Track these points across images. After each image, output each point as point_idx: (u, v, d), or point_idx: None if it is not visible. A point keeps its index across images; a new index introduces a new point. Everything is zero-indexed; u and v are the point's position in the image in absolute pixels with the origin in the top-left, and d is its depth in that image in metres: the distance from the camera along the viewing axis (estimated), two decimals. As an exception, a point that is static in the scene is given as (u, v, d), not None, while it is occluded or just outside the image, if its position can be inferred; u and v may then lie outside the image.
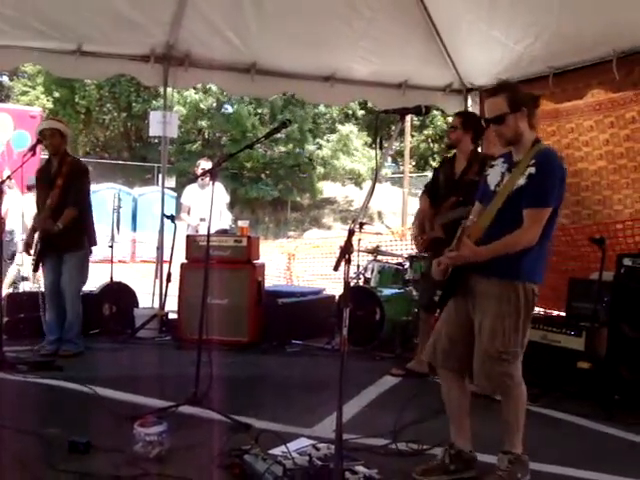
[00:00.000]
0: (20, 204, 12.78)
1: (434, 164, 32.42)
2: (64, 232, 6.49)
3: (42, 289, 7.26)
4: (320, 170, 31.96)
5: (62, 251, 6.61)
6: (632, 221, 6.80)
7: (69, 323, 6.66)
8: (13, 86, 32.22)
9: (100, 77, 10.44)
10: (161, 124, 8.60)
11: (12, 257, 12.74)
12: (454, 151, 6.28)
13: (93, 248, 6.90)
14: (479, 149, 6.34)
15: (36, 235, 6.68)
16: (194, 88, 27.20)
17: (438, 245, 6.15)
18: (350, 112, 32.56)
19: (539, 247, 3.62)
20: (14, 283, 12.27)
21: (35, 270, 6.79)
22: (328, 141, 32.11)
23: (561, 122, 7.36)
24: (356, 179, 32.50)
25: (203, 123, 30.09)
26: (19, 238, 12.74)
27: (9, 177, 7.21)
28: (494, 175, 3.83)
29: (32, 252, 6.68)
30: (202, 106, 29.75)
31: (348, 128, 31.85)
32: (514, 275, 3.62)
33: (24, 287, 11.69)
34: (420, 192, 6.75)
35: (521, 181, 3.61)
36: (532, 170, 3.59)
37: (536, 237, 3.55)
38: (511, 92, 3.70)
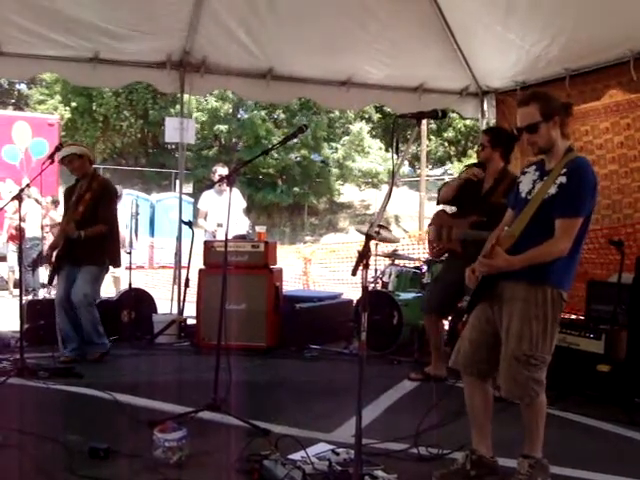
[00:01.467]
0: (39, 212, 12.90)
1: (450, 167, 32.38)
2: (86, 246, 6.56)
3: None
4: (336, 172, 31.97)
5: (80, 263, 6.64)
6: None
7: (86, 332, 6.69)
8: (31, 94, 32.49)
9: (117, 85, 10.53)
10: (177, 130, 8.63)
11: (33, 265, 12.86)
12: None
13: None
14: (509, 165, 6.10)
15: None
16: (211, 94, 27.35)
17: (454, 255, 6.13)
18: (366, 116, 32.59)
19: (570, 254, 3.60)
20: (33, 290, 12.38)
21: (50, 282, 6.82)
22: (343, 144, 32.15)
23: (576, 124, 7.32)
24: (372, 180, 32.51)
25: (221, 127, 30.17)
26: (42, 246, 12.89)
27: (28, 185, 7.28)
28: (526, 183, 3.81)
29: (50, 264, 6.76)
30: (220, 113, 29.88)
31: (359, 126, 31.87)
32: (542, 279, 3.60)
33: (44, 294, 11.76)
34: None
35: (552, 190, 3.59)
36: (563, 179, 3.57)
37: (567, 247, 3.53)
38: (543, 101, 3.69)
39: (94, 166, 7.07)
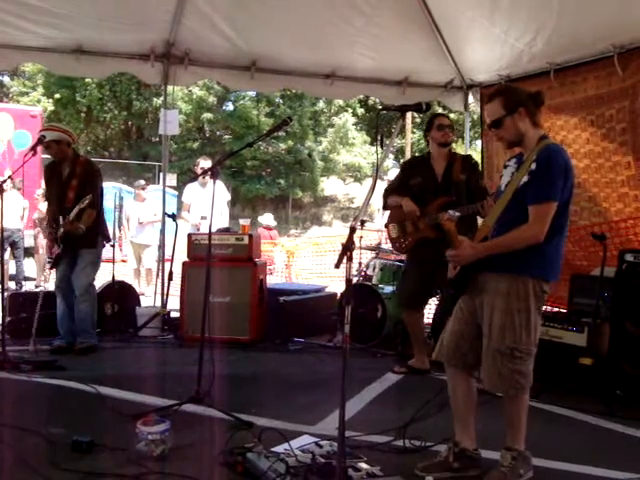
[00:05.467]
0: (20, 204, 12.85)
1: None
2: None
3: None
4: (320, 165, 31.92)
5: (78, 249, 6.75)
6: (624, 221, 6.81)
7: (82, 314, 6.78)
8: (13, 86, 32.21)
9: (101, 75, 10.46)
10: (169, 123, 8.57)
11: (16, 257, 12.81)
12: (427, 151, 6.43)
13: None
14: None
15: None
16: (197, 85, 27.28)
17: (422, 246, 6.15)
18: (350, 110, 32.55)
19: (551, 244, 3.60)
20: (18, 283, 12.33)
21: (53, 267, 6.87)
22: (327, 137, 32.12)
23: (553, 118, 7.37)
24: (357, 174, 32.49)
25: (208, 116, 30.03)
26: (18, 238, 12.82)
27: (10, 177, 7.23)
28: (506, 175, 3.84)
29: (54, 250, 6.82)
30: (207, 101, 29.80)
31: (344, 118, 31.83)
32: (523, 270, 3.60)
33: (26, 287, 11.74)
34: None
35: (525, 178, 3.62)
36: (534, 166, 3.59)
37: (541, 233, 3.53)
38: (506, 94, 3.73)
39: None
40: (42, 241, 13.37)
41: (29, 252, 14.62)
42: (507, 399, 3.69)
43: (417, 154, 33.00)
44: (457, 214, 3.76)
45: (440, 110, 29.55)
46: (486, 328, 3.67)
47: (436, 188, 6.11)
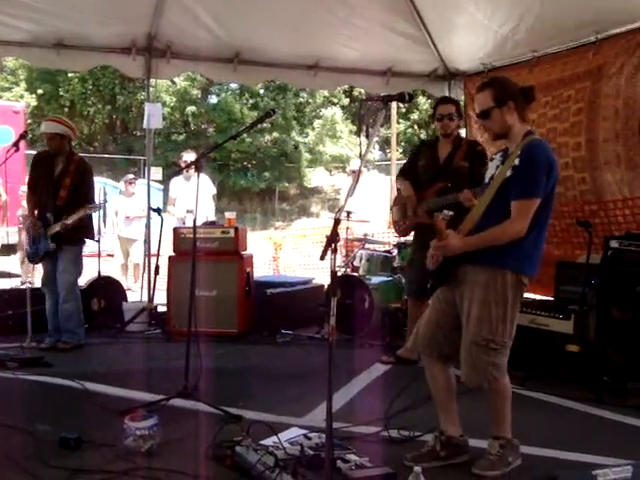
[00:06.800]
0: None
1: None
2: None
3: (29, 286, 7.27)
4: (307, 156, 31.85)
5: (60, 244, 6.67)
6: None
7: (67, 313, 6.72)
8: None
9: (82, 68, 10.39)
10: (152, 116, 8.51)
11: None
12: (436, 136, 6.36)
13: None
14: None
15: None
16: (179, 77, 27.14)
17: (422, 230, 6.15)
18: (336, 101, 32.47)
19: (530, 237, 3.61)
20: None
21: (40, 262, 6.86)
22: (313, 128, 32.03)
23: None
24: (343, 166, 32.46)
25: (192, 109, 29.91)
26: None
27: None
28: (491, 169, 3.86)
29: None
30: (191, 93, 29.69)
31: (332, 111, 31.74)
32: (502, 263, 3.61)
33: (11, 284, 11.63)
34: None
35: (508, 173, 3.63)
36: (517, 162, 3.60)
37: (523, 229, 3.55)
38: (497, 86, 3.74)
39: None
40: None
41: (14, 249, 14.52)
42: (486, 392, 3.71)
43: (403, 144, 33.12)
44: (450, 213, 3.78)
45: (424, 99, 29.69)
46: (464, 319, 3.69)
47: (437, 172, 6.07)
